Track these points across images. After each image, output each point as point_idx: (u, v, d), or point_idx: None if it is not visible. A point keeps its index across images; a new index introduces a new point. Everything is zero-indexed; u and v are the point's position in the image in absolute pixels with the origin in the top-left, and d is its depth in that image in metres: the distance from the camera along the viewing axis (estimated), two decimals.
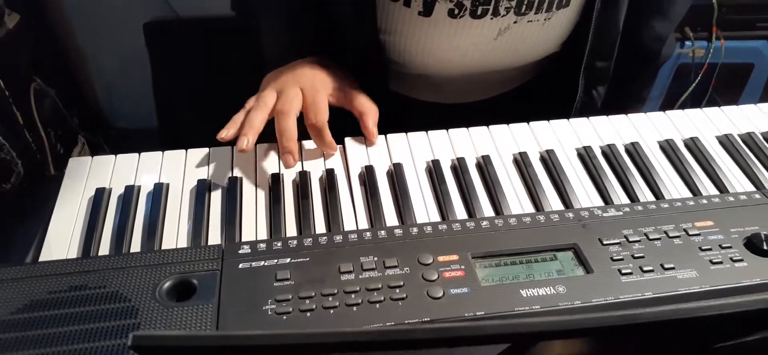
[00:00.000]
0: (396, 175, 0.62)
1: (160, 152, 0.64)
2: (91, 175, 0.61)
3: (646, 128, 0.70)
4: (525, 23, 0.69)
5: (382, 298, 0.48)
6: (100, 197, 0.59)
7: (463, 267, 0.51)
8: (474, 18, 0.68)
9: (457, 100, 0.80)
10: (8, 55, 1.49)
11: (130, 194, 0.59)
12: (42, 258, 0.54)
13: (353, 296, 0.49)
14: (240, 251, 0.53)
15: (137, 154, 0.64)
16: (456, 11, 0.67)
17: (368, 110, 0.65)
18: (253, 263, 0.52)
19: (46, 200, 0.59)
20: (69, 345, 0.44)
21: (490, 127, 0.69)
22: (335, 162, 0.64)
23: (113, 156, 0.63)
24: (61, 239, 0.55)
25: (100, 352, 0.44)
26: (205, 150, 0.65)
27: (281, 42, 0.73)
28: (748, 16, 1.67)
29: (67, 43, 1.88)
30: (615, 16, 0.73)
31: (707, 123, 0.71)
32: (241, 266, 0.51)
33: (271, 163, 0.63)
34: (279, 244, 0.53)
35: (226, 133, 0.61)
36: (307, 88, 0.64)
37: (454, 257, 0.52)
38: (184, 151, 0.64)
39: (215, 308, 0.48)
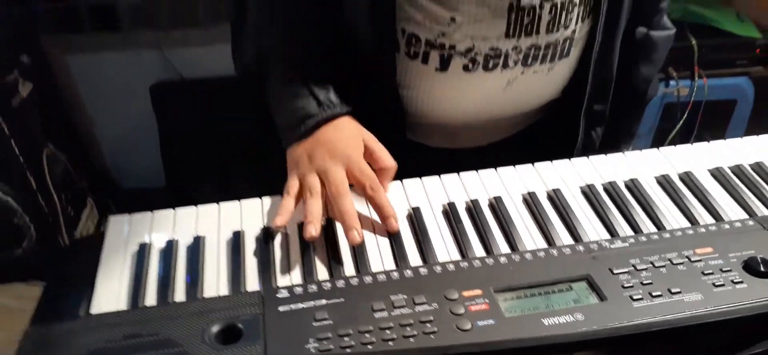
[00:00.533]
0: (415, 218, 0.67)
1: (195, 207, 0.68)
2: (131, 231, 0.66)
3: (642, 165, 0.75)
4: (530, 74, 0.75)
5: (415, 333, 0.52)
6: (142, 252, 0.63)
7: (487, 301, 0.55)
8: (486, 71, 0.74)
9: (469, 145, 0.86)
10: (22, 122, 1.55)
11: (170, 248, 0.63)
12: (93, 311, 0.57)
13: (388, 331, 0.52)
14: (278, 295, 0.57)
15: (173, 210, 0.68)
16: (470, 66, 0.73)
17: (389, 167, 0.69)
18: (293, 306, 0.55)
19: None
20: None
21: (498, 169, 0.74)
22: (357, 209, 0.69)
23: (150, 212, 0.68)
24: (110, 292, 0.59)
25: None
26: (236, 203, 0.69)
27: (296, 93, 0.73)
28: (728, 54, 1.76)
29: (76, 109, 1.94)
30: (610, 63, 0.79)
31: (698, 157, 0.76)
32: (281, 308, 0.55)
33: (297, 213, 0.68)
34: (314, 286, 0.57)
35: (282, 221, 0.63)
36: (347, 161, 0.67)
37: (478, 292, 0.56)
38: (217, 205, 0.69)
39: (262, 349, 0.51)
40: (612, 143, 0.91)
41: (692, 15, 1.79)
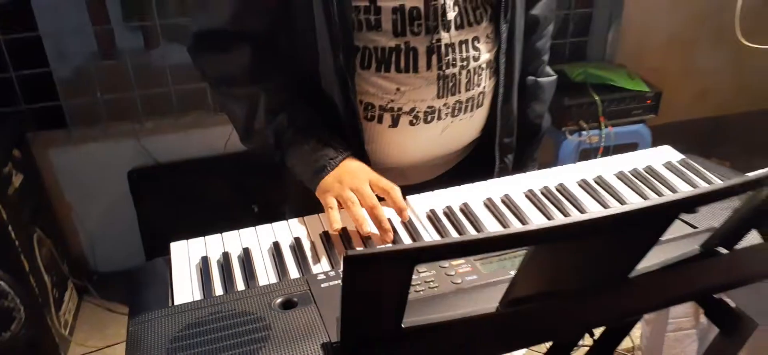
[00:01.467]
0: (409, 224, 0.90)
1: (237, 231, 0.88)
2: (191, 251, 0.84)
3: (561, 175, 1.01)
4: (458, 122, 1.01)
5: (424, 288, 0.74)
6: (205, 261, 0.82)
7: (469, 266, 0.78)
8: (426, 124, 0.99)
9: (418, 180, 1.08)
10: (14, 209, 1.67)
11: (226, 256, 0.83)
12: (176, 303, 0.75)
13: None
14: (318, 278, 0.77)
15: (221, 234, 0.87)
16: (414, 121, 0.98)
17: (392, 188, 0.91)
18: (330, 283, 0.76)
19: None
20: (226, 343, 0.66)
21: (457, 188, 0.98)
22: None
23: (203, 238, 0.87)
24: (185, 290, 0.77)
25: (247, 344, 0.66)
26: (269, 226, 0.89)
27: (314, 148, 0.95)
28: (625, 106, 2.14)
29: (57, 197, 2.06)
30: (511, 106, 1.07)
31: (604, 167, 1.04)
32: (322, 286, 0.76)
33: (319, 224, 0.88)
34: (340, 270, 0.78)
35: (338, 226, 0.85)
36: (369, 181, 0.90)
37: (462, 261, 0.79)
38: (254, 228, 0.89)
39: (317, 311, 0.71)
40: (520, 167, 1.16)
41: (593, 77, 2.17)
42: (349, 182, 0.90)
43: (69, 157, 2.06)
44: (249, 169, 2.09)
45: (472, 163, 1.14)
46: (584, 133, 2.11)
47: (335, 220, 0.87)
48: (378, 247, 0.84)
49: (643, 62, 2.42)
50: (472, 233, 0.88)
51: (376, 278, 0.52)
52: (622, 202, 0.93)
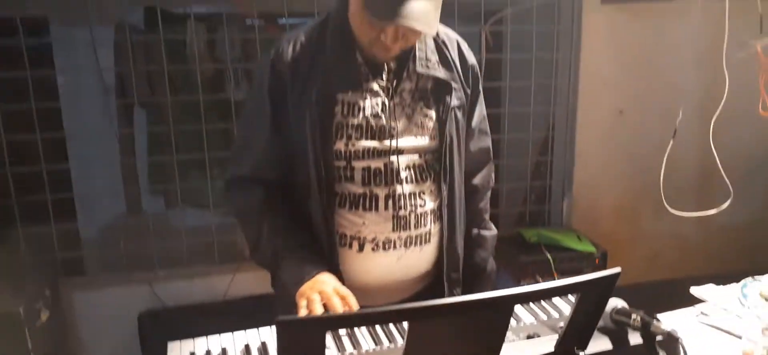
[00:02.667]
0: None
1: (219, 334, 1.17)
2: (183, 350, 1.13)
3: None
4: (410, 252, 1.33)
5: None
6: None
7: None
8: (385, 251, 1.31)
9: (384, 301, 1.36)
10: (39, 341, 1.94)
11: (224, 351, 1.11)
12: None
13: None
14: None
15: (219, 334, 1.16)
16: (375, 248, 1.30)
17: (348, 294, 1.19)
18: None
19: None
20: None
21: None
22: None
23: (192, 339, 1.15)
24: None
25: None
26: (268, 328, 1.18)
27: (298, 266, 1.24)
28: (576, 264, 2.46)
29: (73, 334, 2.33)
30: (454, 247, 1.38)
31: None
32: None
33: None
34: None
35: (302, 312, 1.13)
36: (333, 288, 1.18)
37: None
38: (244, 331, 1.17)
39: None
40: None
41: (545, 238, 2.52)
42: (317, 288, 1.20)
43: (88, 300, 2.35)
44: (247, 314, 2.37)
45: (427, 296, 1.42)
46: None
47: (311, 308, 1.14)
48: (298, 316, 1.11)
49: (596, 228, 2.77)
50: None
51: (299, 339, 0.80)
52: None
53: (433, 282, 1.42)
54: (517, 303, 0.97)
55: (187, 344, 1.15)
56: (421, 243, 1.33)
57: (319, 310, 1.14)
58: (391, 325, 1.18)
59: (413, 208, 1.30)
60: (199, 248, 2.48)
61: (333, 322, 0.86)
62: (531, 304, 1.22)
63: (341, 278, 1.29)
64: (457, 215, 1.37)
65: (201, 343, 1.16)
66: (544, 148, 2.87)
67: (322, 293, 1.17)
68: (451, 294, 1.40)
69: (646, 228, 2.89)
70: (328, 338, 1.14)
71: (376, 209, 1.28)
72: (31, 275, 2.14)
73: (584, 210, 2.82)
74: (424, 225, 1.33)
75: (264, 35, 2.42)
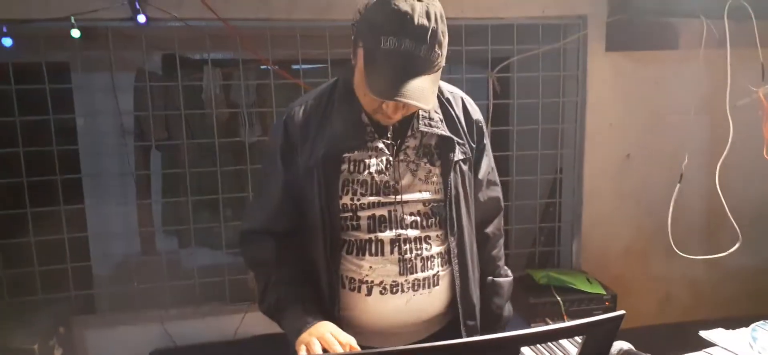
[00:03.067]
0: None
1: None
2: None
3: None
4: (418, 295, 1.34)
5: None
6: None
7: None
8: (393, 294, 1.32)
9: (398, 345, 1.37)
10: None
11: None
12: None
13: None
14: None
15: None
16: (383, 292, 1.32)
17: (348, 341, 1.20)
18: None
19: None
20: None
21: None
22: None
23: None
24: None
25: None
26: None
27: (300, 316, 1.27)
28: (586, 307, 2.46)
29: None
30: (469, 297, 1.40)
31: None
32: None
33: None
34: None
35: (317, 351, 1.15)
36: (332, 334, 1.19)
37: None
38: None
39: None
40: None
41: (555, 280, 2.52)
42: (315, 333, 1.22)
43: (100, 337, 2.37)
44: (256, 354, 2.38)
45: (443, 338, 1.38)
46: None
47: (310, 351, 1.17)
48: None
49: (606, 270, 2.77)
50: None
51: None
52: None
53: (447, 326, 1.43)
54: (522, 345, 0.99)
55: None
56: (429, 286, 1.35)
57: (317, 351, 1.16)
58: None
59: (419, 251, 1.33)
60: (210, 286, 2.52)
61: None
62: (538, 345, 1.23)
63: (343, 325, 1.30)
64: (469, 264, 1.39)
65: None
66: (552, 191, 2.90)
67: (321, 337, 1.20)
68: None
69: (656, 271, 2.89)
70: None
71: (382, 253, 1.31)
72: (46, 313, 2.19)
73: (594, 252, 2.83)
74: (432, 268, 1.35)
75: (279, 80, 2.49)
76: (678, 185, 2.37)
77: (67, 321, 2.24)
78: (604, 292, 2.50)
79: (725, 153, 2.18)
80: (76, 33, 2.10)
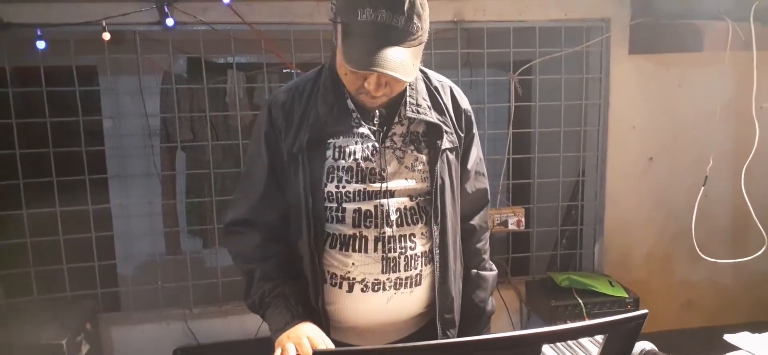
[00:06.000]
0: None
1: None
2: None
3: None
4: (400, 294, 1.33)
5: None
6: None
7: None
8: (374, 292, 1.31)
9: (377, 343, 1.35)
10: None
11: None
12: None
13: None
14: None
15: None
16: (364, 289, 1.31)
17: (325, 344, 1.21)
18: None
19: None
20: None
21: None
22: None
23: None
24: None
25: None
26: None
27: (281, 313, 1.26)
28: (608, 310, 2.44)
29: None
30: (448, 289, 1.37)
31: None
32: None
33: None
34: None
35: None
36: (308, 337, 1.18)
37: None
38: None
39: None
40: None
41: (577, 283, 2.51)
42: (292, 337, 1.21)
43: (126, 334, 2.42)
44: None
45: (421, 338, 1.41)
46: None
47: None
48: None
49: (629, 274, 2.75)
50: None
51: None
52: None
53: (427, 324, 1.41)
54: (545, 342, 1.00)
55: None
56: (411, 286, 1.34)
57: (290, 352, 1.16)
58: None
59: (403, 250, 1.31)
60: (233, 285, 2.55)
61: None
62: (559, 345, 1.23)
63: (327, 318, 1.31)
64: (450, 256, 1.36)
65: None
66: (574, 193, 2.88)
67: (297, 341, 1.19)
68: (444, 335, 1.38)
69: (680, 274, 2.86)
70: None
71: (366, 250, 1.30)
72: (73, 310, 2.24)
73: (616, 255, 2.80)
74: (415, 268, 1.33)
75: None
76: (702, 188, 2.34)
77: (93, 318, 2.29)
78: (626, 295, 2.48)
79: (751, 156, 2.15)
80: (107, 36, 2.15)
